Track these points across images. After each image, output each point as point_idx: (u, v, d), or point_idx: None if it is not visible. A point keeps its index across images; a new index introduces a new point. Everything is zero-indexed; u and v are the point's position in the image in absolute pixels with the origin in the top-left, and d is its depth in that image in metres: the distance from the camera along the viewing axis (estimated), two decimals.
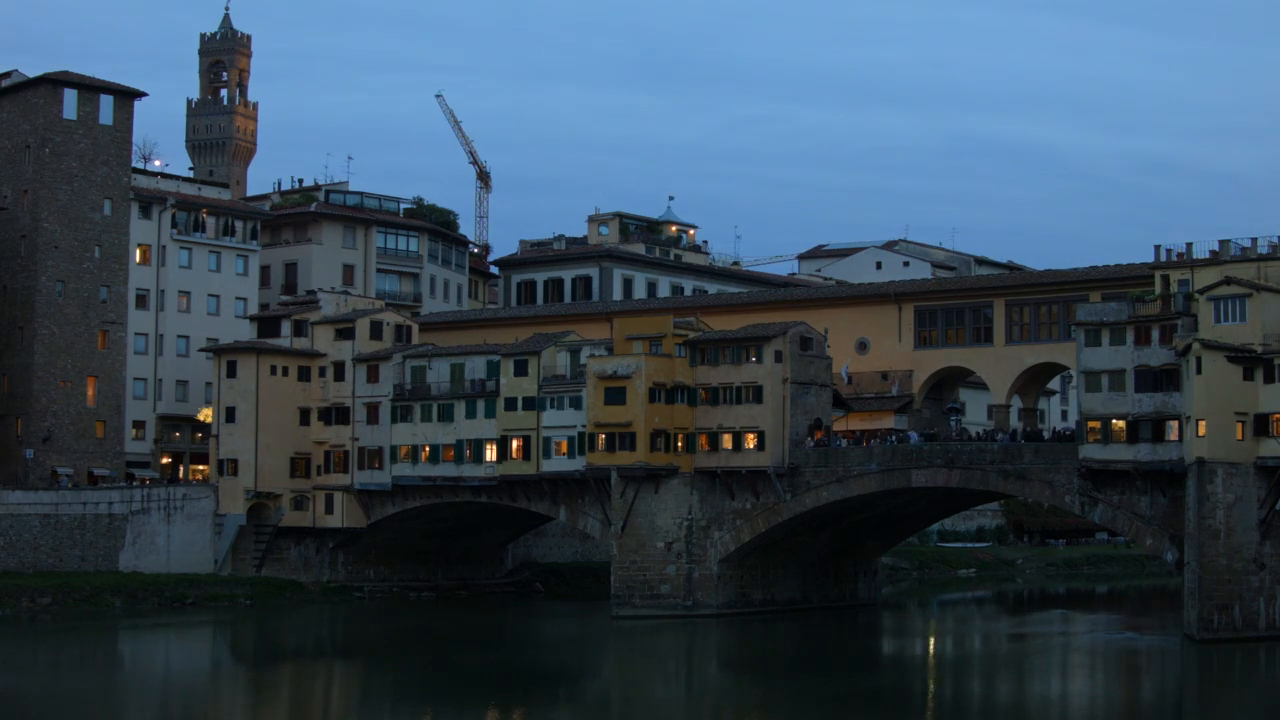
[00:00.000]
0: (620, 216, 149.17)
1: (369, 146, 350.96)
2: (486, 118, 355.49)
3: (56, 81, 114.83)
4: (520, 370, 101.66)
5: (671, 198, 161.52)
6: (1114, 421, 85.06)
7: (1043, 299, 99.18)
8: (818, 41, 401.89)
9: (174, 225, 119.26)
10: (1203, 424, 79.36)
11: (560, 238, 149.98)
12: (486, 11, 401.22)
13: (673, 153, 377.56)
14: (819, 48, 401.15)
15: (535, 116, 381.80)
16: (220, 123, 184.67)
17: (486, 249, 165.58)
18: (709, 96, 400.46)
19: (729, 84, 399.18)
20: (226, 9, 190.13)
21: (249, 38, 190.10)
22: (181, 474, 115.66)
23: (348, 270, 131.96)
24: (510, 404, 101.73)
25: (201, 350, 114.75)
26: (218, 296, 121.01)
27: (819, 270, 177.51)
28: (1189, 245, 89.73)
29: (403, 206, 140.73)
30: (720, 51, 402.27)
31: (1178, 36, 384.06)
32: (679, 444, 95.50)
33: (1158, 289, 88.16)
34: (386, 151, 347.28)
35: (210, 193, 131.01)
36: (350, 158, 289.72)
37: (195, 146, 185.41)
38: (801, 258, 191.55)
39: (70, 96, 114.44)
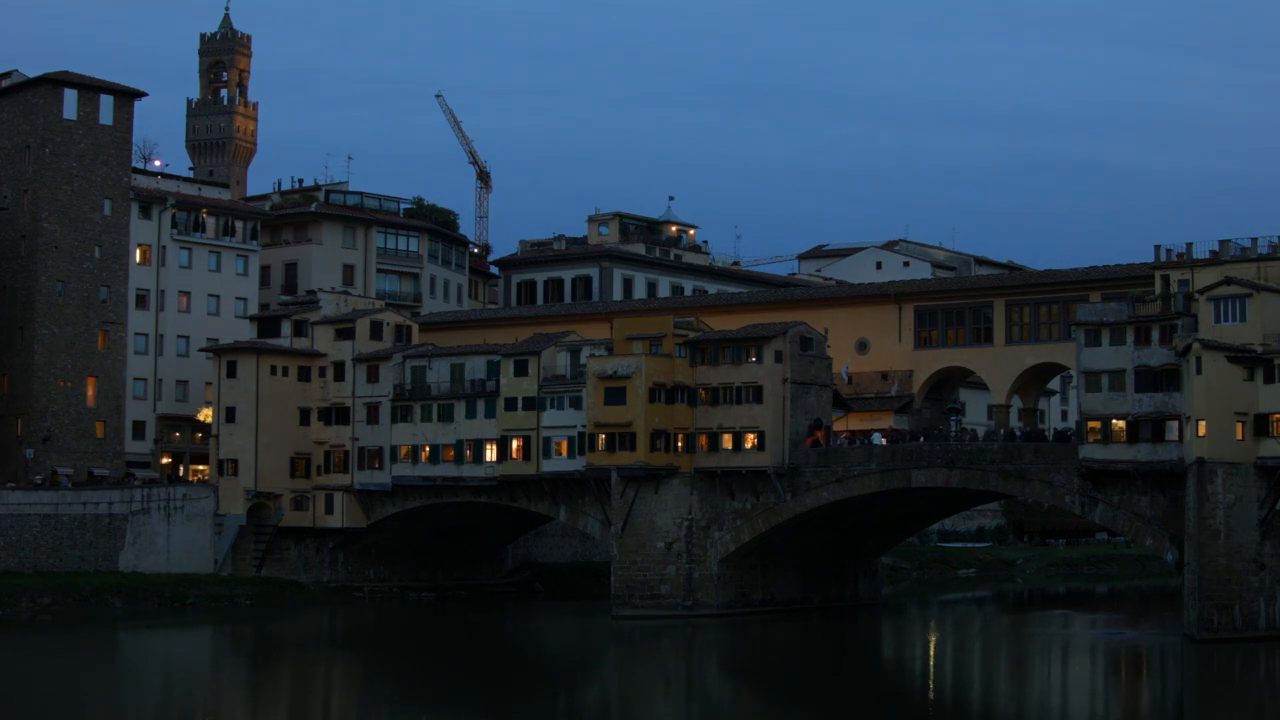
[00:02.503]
0: (620, 216, 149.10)
1: (370, 146, 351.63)
2: (588, 141, 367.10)
3: (56, 81, 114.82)
4: (520, 370, 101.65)
5: (671, 198, 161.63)
6: (1114, 421, 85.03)
7: (1043, 299, 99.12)
8: (907, 70, 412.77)
9: (174, 225, 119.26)
10: (1203, 424, 79.33)
11: (560, 238, 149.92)
12: (596, 38, 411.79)
13: (757, 169, 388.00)
14: (908, 76, 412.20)
15: (640, 137, 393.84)
16: (220, 123, 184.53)
17: (486, 249, 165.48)
18: (798, 118, 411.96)
19: (818, 108, 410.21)
20: (226, 9, 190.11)
21: (249, 38, 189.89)
22: (181, 474, 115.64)
23: (348, 270, 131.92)
24: (510, 404, 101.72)
25: (201, 350, 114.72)
26: (218, 296, 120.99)
27: (819, 270, 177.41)
28: (1189, 245, 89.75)
29: (403, 206, 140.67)
30: (811, 79, 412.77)
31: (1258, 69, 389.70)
32: (679, 444, 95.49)
33: (1158, 289, 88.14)
34: (386, 151, 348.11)
35: (210, 193, 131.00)
36: (350, 158, 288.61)
37: (195, 146, 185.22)
38: (801, 258, 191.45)
39: (70, 96, 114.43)
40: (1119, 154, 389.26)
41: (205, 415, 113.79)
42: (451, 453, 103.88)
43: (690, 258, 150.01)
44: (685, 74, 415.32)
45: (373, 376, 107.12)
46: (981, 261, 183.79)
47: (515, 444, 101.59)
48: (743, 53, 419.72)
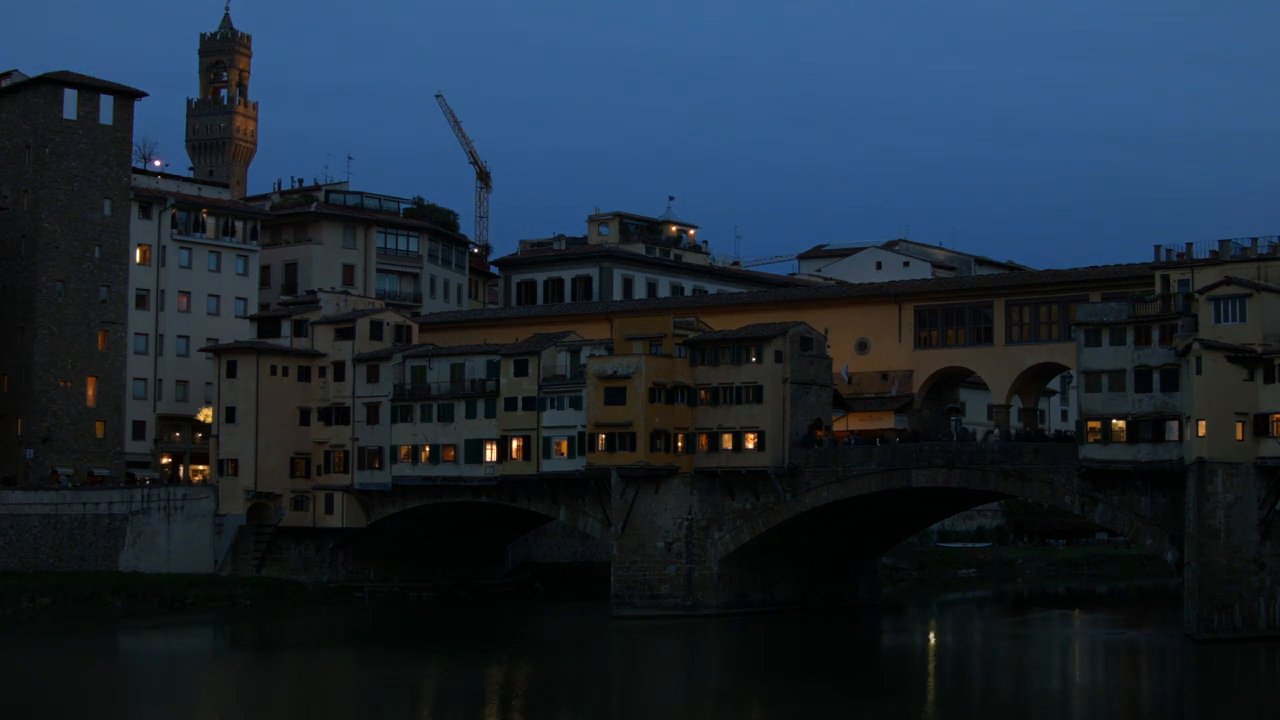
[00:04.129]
0: (620, 216, 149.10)
1: (370, 146, 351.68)
2: (588, 141, 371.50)
3: (57, 81, 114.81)
4: (520, 370, 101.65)
5: (671, 198, 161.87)
6: (1114, 421, 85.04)
7: (1043, 299, 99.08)
8: (972, 89, 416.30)
9: (174, 225, 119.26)
10: (1203, 424, 79.33)
11: (560, 238, 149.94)
12: (596, 38, 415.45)
13: (757, 169, 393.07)
14: (973, 94, 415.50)
15: (640, 138, 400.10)
16: (220, 123, 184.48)
17: (486, 249, 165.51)
18: (800, 120, 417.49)
19: (820, 110, 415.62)
20: (226, 9, 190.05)
21: (249, 38, 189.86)
22: (181, 474, 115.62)
23: (348, 270, 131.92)
24: (510, 404, 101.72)
25: (201, 350, 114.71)
26: (218, 296, 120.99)
27: (819, 270, 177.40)
28: (1189, 245, 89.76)
29: (403, 206, 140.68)
30: (812, 83, 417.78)
31: None
32: (679, 444, 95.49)
33: (1158, 289, 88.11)
34: (386, 151, 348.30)
35: (210, 193, 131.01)
36: (350, 158, 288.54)
37: (195, 146, 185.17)
38: (801, 258, 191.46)
39: (70, 96, 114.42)
40: (1121, 158, 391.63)
41: (205, 415, 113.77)
42: (452, 453, 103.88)
43: (690, 258, 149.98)
44: (687, 75, 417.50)
45: (373, 376, 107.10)
46: (981, 261, 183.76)
47: (515, 444, 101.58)
48: (744, 56, 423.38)
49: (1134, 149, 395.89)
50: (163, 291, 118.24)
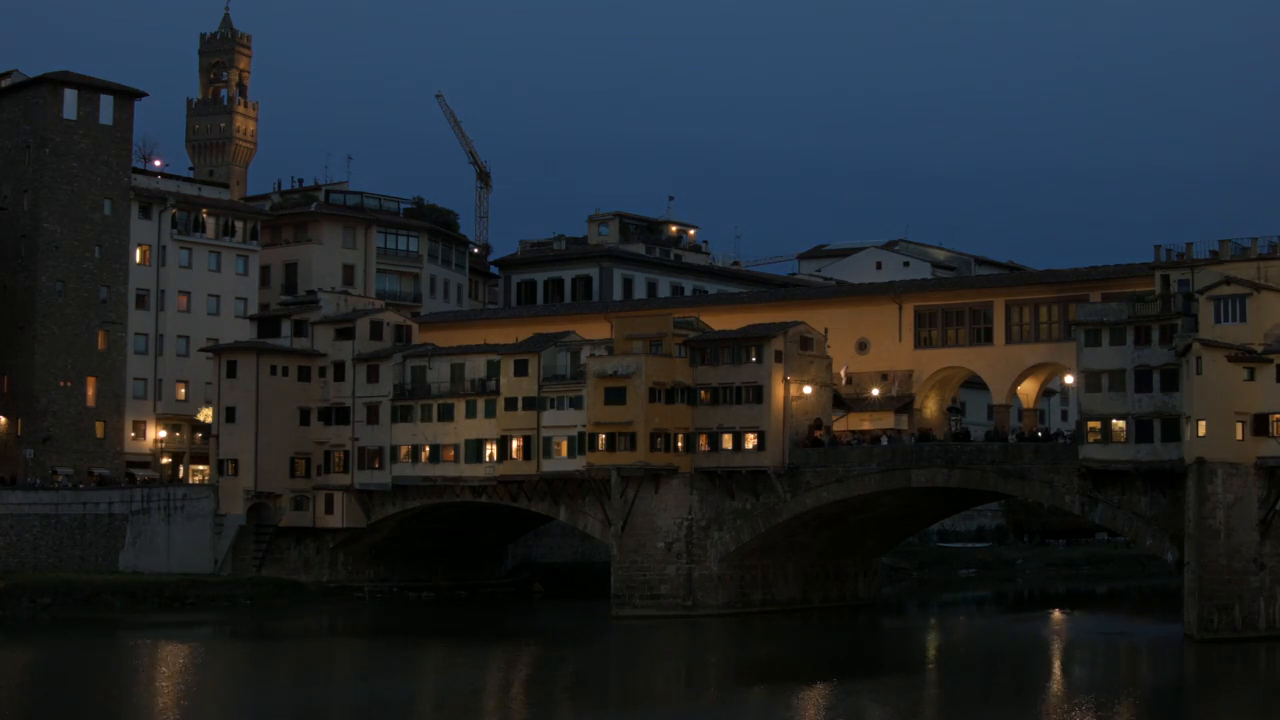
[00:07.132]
0: (620, 216, 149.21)
1: (370, 146, 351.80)
2: (588, 141, 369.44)
3: (57, 81, 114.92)
4: (520, 370, 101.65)
5: (671, 198, 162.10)
6: (1114, 421, 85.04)
7: (1043, 299, 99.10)
8: (972, 89, 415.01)
9: (174, 225, 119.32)
10: (1203, 424, 79.33)
11: (560, 238, 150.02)
12: (597, 38, 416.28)
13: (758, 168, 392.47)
14: (973, 95, 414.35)
15: (641, 137, 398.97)
16: (220, 123, 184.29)
17: (486, 249, 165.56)
18: (798, 119, 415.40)
19: (818, 108, 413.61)
20: (226, 9, 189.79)
21: (249, 38, 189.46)
22: (181, 474, 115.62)
23: (348, 270, 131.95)
24: (510, 404, 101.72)
25: (201, 350, 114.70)
26: (218, 296, 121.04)
27: (819, 270, 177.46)
28: (1189, 245, 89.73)
29: (403, 206, 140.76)
30: (809, 82, 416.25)
31: None
32: (679, 444, 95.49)
33: (1158, 289, 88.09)
34: (386, 151, 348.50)
35: (210, 193, 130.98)
36: (350, 158, 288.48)
37: (195, 146, 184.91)
38: (801, 258, 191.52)
39: (70, 96, 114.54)
40: (1120, 157, 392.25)
41: (205, 415, 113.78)
42: (452, 453, 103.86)
43: (690, 258, 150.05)
44: (686, 74, 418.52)
45: (373, 376, 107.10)
46: (981, 261, 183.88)
47: (515, 444, 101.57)
48: (744, 55, 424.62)
49: (1132, 148, 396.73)
50: (163, 291, 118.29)
